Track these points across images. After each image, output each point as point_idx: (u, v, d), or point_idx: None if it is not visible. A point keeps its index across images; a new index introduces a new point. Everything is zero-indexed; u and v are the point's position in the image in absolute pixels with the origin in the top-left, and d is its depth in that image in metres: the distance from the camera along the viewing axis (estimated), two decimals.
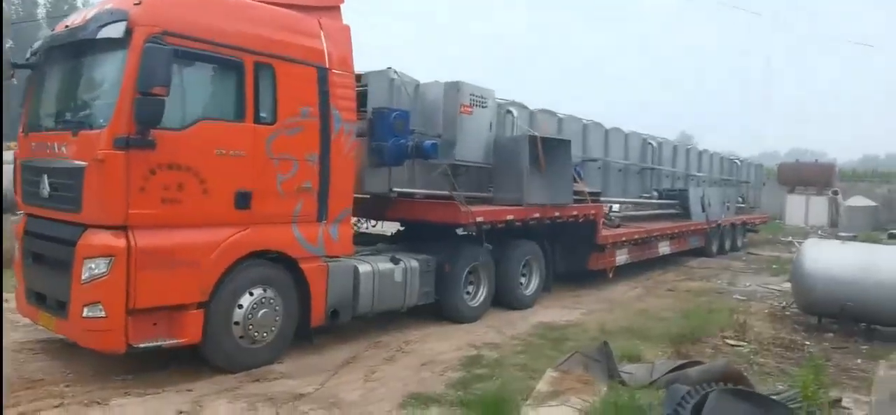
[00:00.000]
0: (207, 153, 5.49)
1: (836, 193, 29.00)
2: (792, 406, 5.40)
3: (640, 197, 14.61)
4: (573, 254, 11.09)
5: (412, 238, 8.97)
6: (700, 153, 17.77)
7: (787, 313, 9.45)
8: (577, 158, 11.88)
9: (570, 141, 9.83)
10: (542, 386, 5.70)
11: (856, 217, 27.05)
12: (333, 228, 6.50)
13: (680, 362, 6.10)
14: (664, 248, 13.75)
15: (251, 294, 5.83)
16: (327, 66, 6.36)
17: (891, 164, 33.06)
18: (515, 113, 10.02)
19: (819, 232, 22.36)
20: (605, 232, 11.12)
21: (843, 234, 19.90)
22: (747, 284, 12.54)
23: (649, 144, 14.73)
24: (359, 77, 7.81)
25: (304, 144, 6.18)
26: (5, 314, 6.54)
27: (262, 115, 5.85)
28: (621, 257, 11.87)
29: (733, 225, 17.94)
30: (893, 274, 7.81)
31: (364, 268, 6.89)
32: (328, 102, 6.35)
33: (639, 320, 8.82)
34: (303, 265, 6.19)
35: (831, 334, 8.39)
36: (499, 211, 8.65)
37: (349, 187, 6.68)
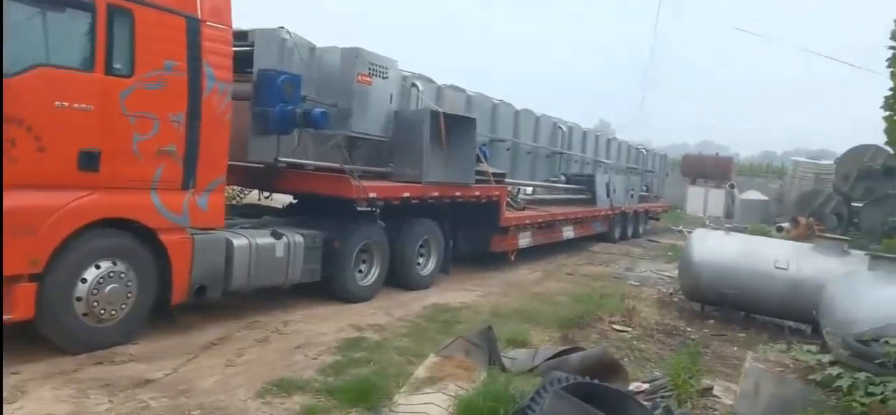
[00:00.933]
0: (45, 105, 4.78)
1: (732, 186, 30.69)
2: (664, 395, 5.45)
3: (548, 181, 14.69)
4: (476, 235, 10.95)
5: (305, 212, 8.49)
6: (609, 141, 18.14)
7: (675, 299, 9.71)
8: (484, 137, 11.73)
9: (475, 119, 9.60)
10: (420, 372, 5.45)
11: (749, 210, 28.74)
12: (202, 197, 5.92)
13: (563, 347, 6.02)
14: (568, 232, 13.90)
15: (97, 267, 5.19)
16: (199, 16, 5.72)
17: (787, 161, 35.96)
18: (421, 87, 9.67)
19: (707, 222, 23.51)
20: (508, 214, 11.02)
21: (728, 224, 20.95)
22: (643, 270, 12.89)
23: (560, 128, 14.80)
24: (245, 35, 7.23)
25: (168, 101, 5.56)
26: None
27: (116, 66, 5.18)
28: (524, 240, 11.85)
29: (636, 212, 18.50)
30: (768, 264, 8.11)
31: (239, 242, 6.36)
32: (199, 57, 5.73)
33: (533, 304, 8.77)
34: (162, 237, 5.59)
35: (712, 321, 8.66)
36: (395, 187, 8.30)
37: (222, 153, 6.10)
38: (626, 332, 7.67)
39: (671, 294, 9.97)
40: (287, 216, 8.32)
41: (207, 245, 5.99)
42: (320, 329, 6.62)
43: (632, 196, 17.84)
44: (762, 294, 8.26)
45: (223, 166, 6.13)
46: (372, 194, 7.70)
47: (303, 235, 7.15)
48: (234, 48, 6.29)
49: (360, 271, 8.21)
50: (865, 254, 7.32)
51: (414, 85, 9.64)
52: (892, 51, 10.51)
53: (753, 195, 30.05)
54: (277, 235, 6.81)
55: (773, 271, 8.14)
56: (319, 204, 8.12)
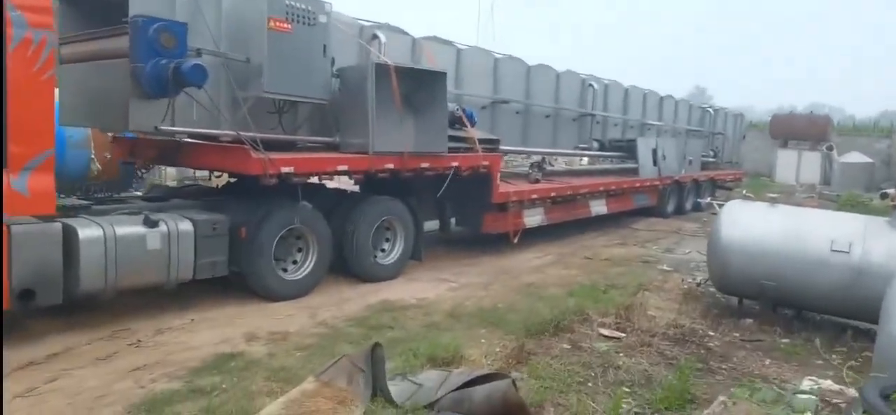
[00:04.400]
0: None
1: (830, 148, 26.75)
2: None
3: (577, 148, 12.65)
4: (469, 214, 9.30)
5: (242, 193, 7.18)
6: (661, 99, 15.63)
7: (705, 290, 7.61)
8: (482, 99, 10.00)
9: (444, 73, 7.84)
10: (272, 408, 3.99)
11: (850, 174, 24.96)
12: (20, 177, 4.69)
13: (480, 373, 4.32)
14: (599, 207, 11.85)
15: None
16: None
17: None
18: (383, 39, 8.03)
19: (798, 191, 20.24)
20: (505, 188, 9.25)
21: (825, 191, 17.72)
22: (687, 251, 10.68)
23: (590, 86, 12.67)
24: None
25: None
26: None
27: None
28: (533, 218, 10.02)
29: (697, 182, 15.96)
30: (822, 246, 5.95)
31: (88, 233, 5.09)
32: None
33: (512, 299, 7.04)
34: None
35: (751, 321, 6.57)
36: (322, 160, 6.81)
37: (46, 122, 4.85)
38: (617, 339, 5.80)
39: (699, 284, 7.86)
40: (211, 197, 7.04)
41: (32, 238, 4.76)
42: (197, 341, 5.26)
43: (690, 163, 15.34)
44: (815, 286, 6.09)
45: (48, 138, 4.87)
46: (286, 169, 6.24)
47: (194, 221, 5.81)
48: None
49: (295, 263, 6.82)
50: None
51: (375, 36, 8.03)
52: None
53: (856, 158, 26.11)
54: (151, 223, 5.50)
55: (828, 256, 5.95)
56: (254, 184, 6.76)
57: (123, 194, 6.92)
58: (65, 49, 6.86)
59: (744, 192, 16.94)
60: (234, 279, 6.42)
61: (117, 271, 5.24)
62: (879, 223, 6.14)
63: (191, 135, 6.29)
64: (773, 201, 7.75)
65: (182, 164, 7.17)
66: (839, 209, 9.88)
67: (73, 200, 5.86)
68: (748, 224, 6.60)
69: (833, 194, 19.77)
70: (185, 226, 5.73)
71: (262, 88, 6.36)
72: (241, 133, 6.02)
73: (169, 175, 12.50)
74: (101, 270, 5.15)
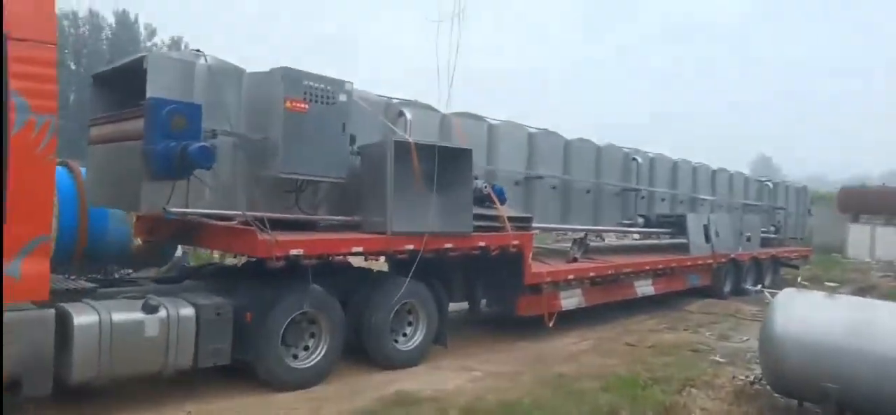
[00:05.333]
0: None
1: None
2: None
3: (620, 224, 12.02)
4: (501, 295, 8.80)
5: (258, 274, 6.97)
6: (713, 173, 14.87)
7: (760, 388, 6.77)
8: (517, 174, 9.66)
9: (469, 151, 7.55)
10: None
11: None
12: (14, 262, 4.56)
13: None
14: (645, 288, 11.09)
15: None
16: (3, 28, 4.48)
17: None
18: (409, 116, 7.89)
19: (874, 269, 18.53)
20: (539, 269, 8.72)
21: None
22: (744, 338, 9.73)
23: (634, 160, 12.14)
24: (141, 60, 5.98)
25: None
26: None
27: None
28: (570, 300, 9.39)
29: (757, 260, 14.88)
30: None
31: (83, 319, 4.92)
32: (2, 83, 4.47)
33: (538, 394, 6.42)
34: None
35: None
36: (334, 241, 6.52)
37: (45, 206, 4.76)
38: None
39: (753, 382, 7.00)
40: (226, 278, 6.84)
41: (22, 325, 4.60)
42: None
43: (748, 240, 14.35)
44: (888, 391, 5.25)
45: (46, 223, 4.77)
46: (294, 251, 5.98)
47: (196, 306, 5.57)
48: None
49: (307, 348, 6.47)
50: None
51: (401, 114, 7.89)
52: None
53: None
54: (151, 309, 5.29)
55: None
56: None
57: (137, 275, 6.82)
58: (93, 130, 7.01)
59: (799, 280, 15.68)
60: (242, 367, 6.11)
61: (112, 359, 5.02)
62: None
63: (202, 215, 6.16)
64: (833, 290, 6.91)
65: (196, 244, 7.07)
66: None
67: (81, 283, 5.74)
68: (805, 317, 5.84)
69: None
70: (187, 311, 5.50)
71: (277, 169, 6.21)
72: (247, 214, 5.84)
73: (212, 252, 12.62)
74: (94, 359, 4.94)
